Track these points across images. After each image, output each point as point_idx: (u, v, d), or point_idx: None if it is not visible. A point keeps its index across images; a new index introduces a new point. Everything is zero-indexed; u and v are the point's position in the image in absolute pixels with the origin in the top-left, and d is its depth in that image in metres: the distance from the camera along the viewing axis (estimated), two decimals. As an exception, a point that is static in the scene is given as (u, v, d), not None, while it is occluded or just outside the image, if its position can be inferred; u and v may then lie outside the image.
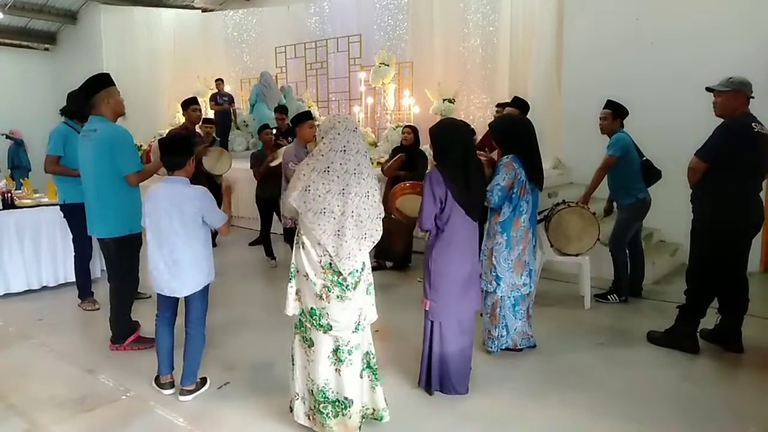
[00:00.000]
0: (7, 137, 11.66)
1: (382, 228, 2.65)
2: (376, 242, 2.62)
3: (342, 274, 2.51)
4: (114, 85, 3.85)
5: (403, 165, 5.51)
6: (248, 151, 9.43)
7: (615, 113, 4.74)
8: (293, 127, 5.03)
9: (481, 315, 3.80)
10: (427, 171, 3.08)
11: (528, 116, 4.80)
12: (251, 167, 6.25)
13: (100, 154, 3.68)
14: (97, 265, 5.41)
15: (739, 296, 3.76)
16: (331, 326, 2.54)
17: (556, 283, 5.31)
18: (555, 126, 6.92)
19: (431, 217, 2.99)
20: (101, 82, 3.79)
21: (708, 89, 3.67)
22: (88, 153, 3.75)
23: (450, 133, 3.08)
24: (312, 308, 2.55)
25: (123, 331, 3.91)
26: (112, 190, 3.74)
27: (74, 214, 4.55)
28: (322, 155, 2.50)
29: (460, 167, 2.98)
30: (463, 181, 2.96)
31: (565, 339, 4.04)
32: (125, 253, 3.85)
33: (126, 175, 3.73)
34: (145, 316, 4.03)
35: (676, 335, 3.79)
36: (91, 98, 3.75)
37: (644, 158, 4.77)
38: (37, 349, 3.84)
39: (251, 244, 7.13)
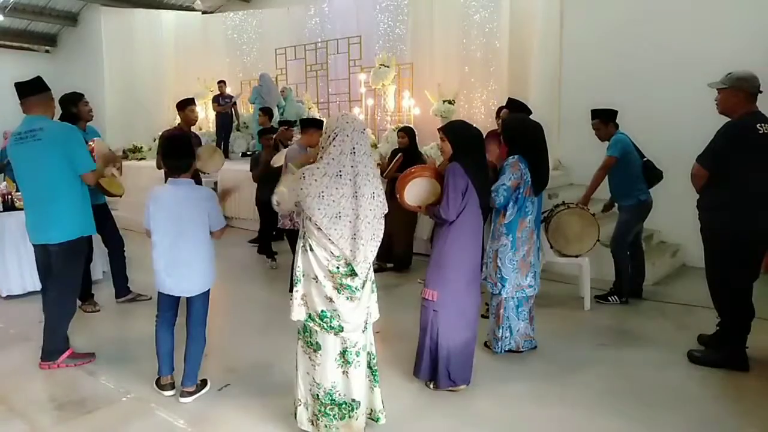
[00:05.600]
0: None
1: (384, 226, 2.66)
2: (380, 242, 2.63)
3: (351, 275, 2.51)
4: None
5: (401, 166, 5.51)
6: (249, 153, 9.45)
7: (603, 119, 4.75)
8: (303, 128, 4.99)
9: (483, 316, 3.81)
10: (447, 167, 3.14)
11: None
12: (251, 169, 6.25)
13: (56, 151, 3.43)
14: (98, 267, 5.41)
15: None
16: (342, 327, 2.53)
17: (556, 284, 5.30)
18: (555, 127, 6.92)
19: (457, 207, 3.05)
20: (44, 85, 3.58)
21: (709, 86, 3.49)
22: (34, 153, 3.43)
23: (466, 132, 3.22)
24: (322, 311, 2.52)
25: (58, 346, 3.63)
26: (68, 189, 3.52)
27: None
28: (333, 158, 2.46)
29: (476, 162, 3.12)
30: (476, 175, 3.08)
31: (565, 340, 4.04)
32: (72, 259, 3.61)
33: (83, 174, 3.57)
34: (144, 317, 4.02)
35: (724, 354, 3.52)
36: (33, 96, 3.51)
37: (645, 159, 4.75)
38: (37, 351, 3.83)
39: (251, 242, 7.18)
